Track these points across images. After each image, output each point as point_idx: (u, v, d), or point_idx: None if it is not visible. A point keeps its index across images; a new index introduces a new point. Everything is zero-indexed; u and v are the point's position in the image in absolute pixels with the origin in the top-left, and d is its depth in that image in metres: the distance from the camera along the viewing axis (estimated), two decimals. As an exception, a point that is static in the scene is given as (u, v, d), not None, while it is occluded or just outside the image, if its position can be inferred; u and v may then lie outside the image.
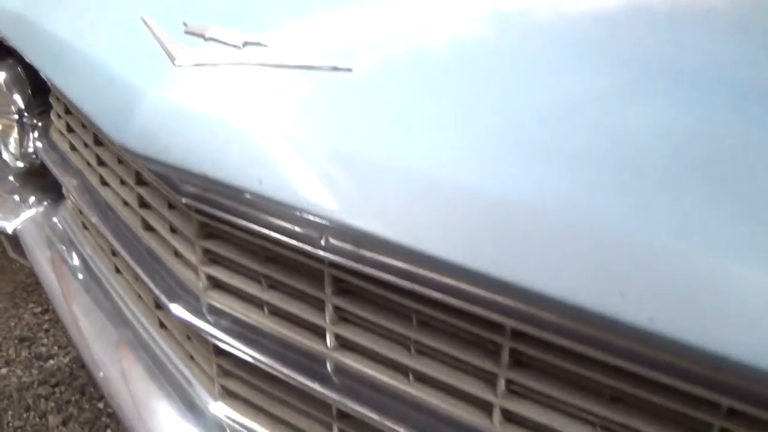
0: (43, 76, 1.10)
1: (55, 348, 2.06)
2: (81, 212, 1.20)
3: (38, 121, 1.42)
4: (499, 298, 0.56)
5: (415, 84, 0.66)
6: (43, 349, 2.06)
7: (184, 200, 0.79)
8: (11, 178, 1.61)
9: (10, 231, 1.44)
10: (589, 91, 0.61)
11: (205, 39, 0.77)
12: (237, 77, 0.72)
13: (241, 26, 0.78)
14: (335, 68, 0.68)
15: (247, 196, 0.67)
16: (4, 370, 1.98)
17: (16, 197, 1.56)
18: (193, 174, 0.70)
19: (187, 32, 0.80)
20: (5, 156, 1.51)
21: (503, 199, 0.54)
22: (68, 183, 1.21)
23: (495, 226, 0.53)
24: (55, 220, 1.43)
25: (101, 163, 1.11)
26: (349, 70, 0.68)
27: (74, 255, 1.33)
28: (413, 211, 0.58)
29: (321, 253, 0.69)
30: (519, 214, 0.52)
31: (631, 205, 0.49)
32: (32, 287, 2.28)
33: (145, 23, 0.87)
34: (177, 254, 0.95)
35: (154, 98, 0.74)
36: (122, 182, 1.05)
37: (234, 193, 0.69)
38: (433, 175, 0.57)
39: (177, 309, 0.89)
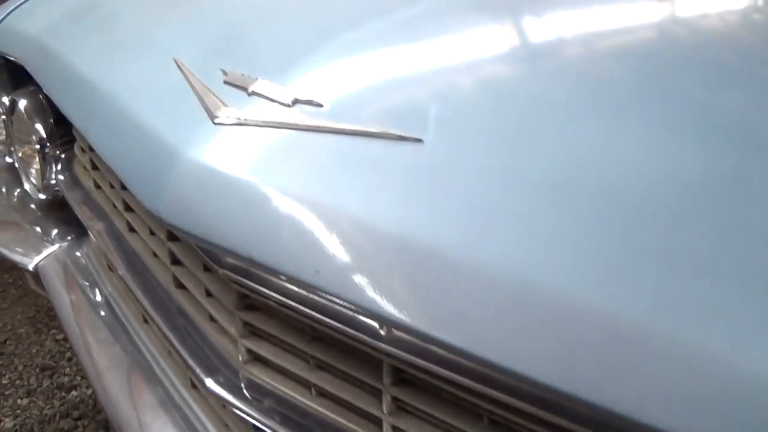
0: (64, 114, 1.01)
1: (78, 378, 1.98)
2: (106, 257, 1.12)
3: (61, 152, 1.33)
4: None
5: (498, 164, 0.56)
6: (66, 379, 1.98)
7: (222, 271, 0.70)
8: (33, 206, 1.54)
9: (31, 267, 1.36)
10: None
11: (249, 93, 0.68)
12: (287, 142, 0.63)
13: (289, 78, 0.69)
14: (402, 137, 0.58)
15: (301, 285, 0.57)
16: (25, 401, 1.91)
17: (38, 229, 1.48)
18: (236, 254, 0.61)
19: (227, 82, 0.71)
20: (27, 186, 1.44)
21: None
22: (92, 225, 1.12)
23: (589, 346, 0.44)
24: (78, 254, 1.34)
25: (128, 208, 1.02)
26: (419, 140, 0.58)
27: (98, 297, 1.25)
28: (494, 321, 0.48)
29: (381, 345, 0.60)
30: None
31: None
32: (54, 312, 2.21)
33: (180, 67, 0.78)
34: (212, 319, 0.86)
35: (190, 161, 0.65)
36: (152, 232, 0.96)
37: (285, 278, 0.59)
38: (519, 281, 0.48)
39: (213, 384, 0.80)
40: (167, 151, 0.67)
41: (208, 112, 0.67)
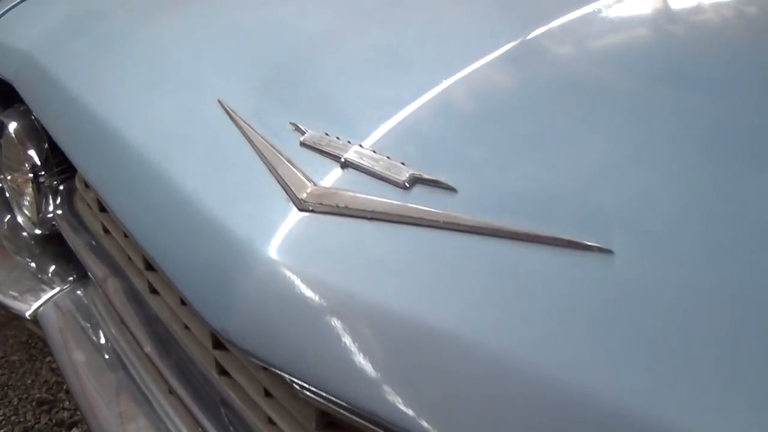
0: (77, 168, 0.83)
1: (79, 413, 1.80)
2: (122, 320, 0.94)
3: (59, 183, 1.15)
4: None
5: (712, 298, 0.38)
6: (65, 414, 1.81)
7: (300, 393, 0.53)
8: (25, 235, 1.36)
9: (28, 315, 1.19)
10: None
11: (342, 164, 0.50)
12: (407, 243, 0.45)
13: (395, 142, 0.50)
14: (584, 246, 0.41)
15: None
16: (22, 439, 1.73)
17: (33, 265, 1.30)
18: (318, 391, 0.43)
19: (306, 144, 0.53)
20: (20, 219, 1.25)
21: None
22: (102, 280, 0.94)
23: None
24: (83, 300, 1.17)
25: (149, 266, 0.84)
26: (609, 252, 0.40)
27: (108, 355, 1.07)
28: None
29: None
30: None
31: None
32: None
33: (229, 113, 0.60)
34: (271, 421, 0.68)
35: (268, 263, 0.47)
36: (183, 302, 0.78)
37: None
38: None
39: None
40: (234, 247, 0.49)
41: (287, 192, 0.49)
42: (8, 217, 1.39)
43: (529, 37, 0.63)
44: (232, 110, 0.60)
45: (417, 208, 0.46)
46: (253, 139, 0.55)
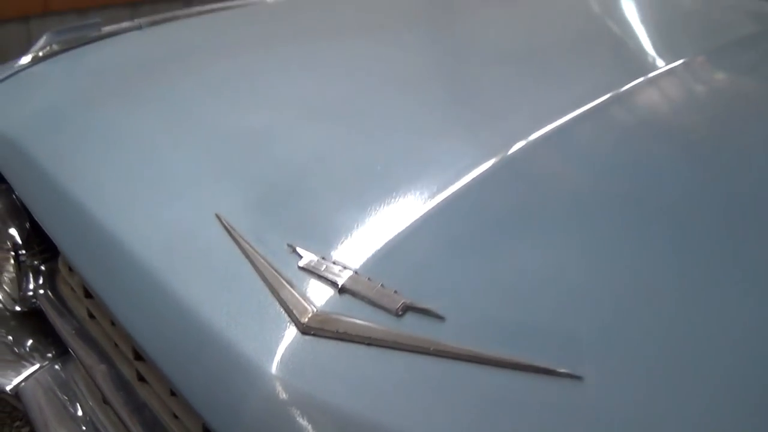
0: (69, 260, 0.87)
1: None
2: (106, 402, 0.97)
3: (40, 263, 1.18)
4: None
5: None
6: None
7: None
8: (2, 308, 1.38)
9: (9, 389, 1.21)
10: None
11: (339, 290, 0.56)
12: (401, 369, 0.51)
13: (387, 270, 0.56)
14: (557, 373, 0.47)
15: None
16: None
17: (10, 338, 1.33)
18: None
19: (303, 269, 0.58)
20: (0, 297, 1.28)
21: None
22: (85, 359, 0.98)
23: None
24: (64, 377, 1.20)
25: (138, 356, 0.88)
26: (579, 378, 0.47)
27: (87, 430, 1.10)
28: None
29: None
30: None
31: None
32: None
33: (228, 229, 0.65)
34: None
35: (271, 382, 0.52)
36: (172, 392, 0.82)
37: None
38: None
39: None
40: (240, 363, 0.54)
41: (290, 315, 0.55)
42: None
43: (510, 152, 0.70)
44: (230, 226, 0.65)
45: (409, 335, 0.52)
46: (253, 259, 0.60)
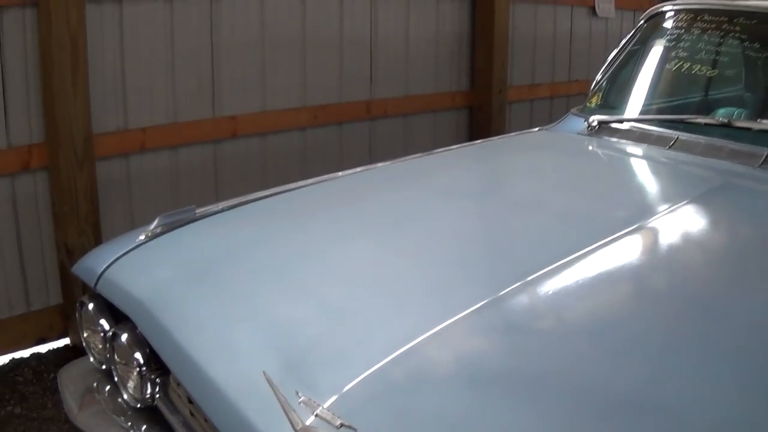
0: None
1: None
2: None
3: (156, 377, 1.84)
4: None
5: None
6: None
7: None
8: (121, 401, 2.03)
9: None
10: None
11: (316, 414, 1.21)
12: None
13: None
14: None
15: None
16: None
17: (129, 424, 1.96)
18: None
19: (301, 402, 1.24)
20: (125, 396, 1.93)
21: None
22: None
23: None
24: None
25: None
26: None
27: None
28: None
29: None
30: None
31: None
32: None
33: (268, 379, 1.32)
34: None
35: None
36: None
37: None
38: None
39: None
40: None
41: (292, 422, 1.20)
42: (108, 386, 2.09)
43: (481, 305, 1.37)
44: (271, 379, 1.31)
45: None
46: (278, 394, 1.27)
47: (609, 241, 1.72)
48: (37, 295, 3.56)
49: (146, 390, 1.83)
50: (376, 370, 1.27)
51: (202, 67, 3.92)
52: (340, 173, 2.50)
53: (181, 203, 3.56)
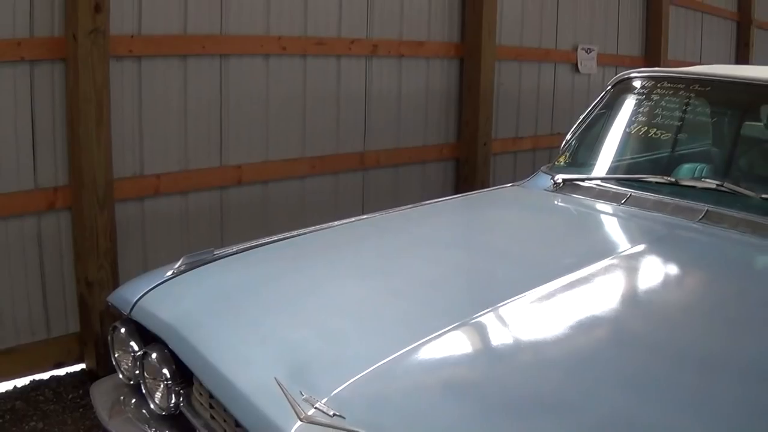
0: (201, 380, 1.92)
1: None
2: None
3: (181, 389, 2.21)
4: None
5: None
6: None
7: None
8: (145, 412, 2.40)
9: (155, 462, 2.21)
10: None
11: (315, 407, 1.60)
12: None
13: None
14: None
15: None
16: None
17: (154, 430, 2.33)
18: None
19: (303, 399, 1.63)
20: (152, 406, 2.30)
21: None
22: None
23: None
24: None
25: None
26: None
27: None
28: None
29: None
30: None
31: None
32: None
33: (278, 383, 1.71)
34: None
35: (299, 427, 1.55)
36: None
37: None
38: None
39: None
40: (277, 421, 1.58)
41: (296, 413, 1.58)
42: (134, 399, 2.46)
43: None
44: (281, 382, 1.71)
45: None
46: (286, 392, 1.65)
47: (557, 281, 2.13)
48: (57, 323, 3.88)
49: (171, 400, 2.19)
50: (360, 377, 1.66)
51: (211, 120, 4.31)
52: (335, 222, 2.90)
53: (190, 242, 4.00)
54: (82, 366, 3.95)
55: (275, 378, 1.71)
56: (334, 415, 1.55)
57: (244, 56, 4.39)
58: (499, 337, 1.91)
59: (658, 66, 7.37)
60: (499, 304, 1.99)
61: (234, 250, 2.58)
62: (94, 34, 3.60)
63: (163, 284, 2.37)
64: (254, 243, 2.65)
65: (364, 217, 3.06)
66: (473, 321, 1.90)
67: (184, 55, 4.11)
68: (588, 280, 2.24)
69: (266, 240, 2.69)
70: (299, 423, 1.56)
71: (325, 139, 4.93)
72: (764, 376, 1.64)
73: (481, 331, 1.91)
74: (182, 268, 2.44)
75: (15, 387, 3.77)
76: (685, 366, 1.71)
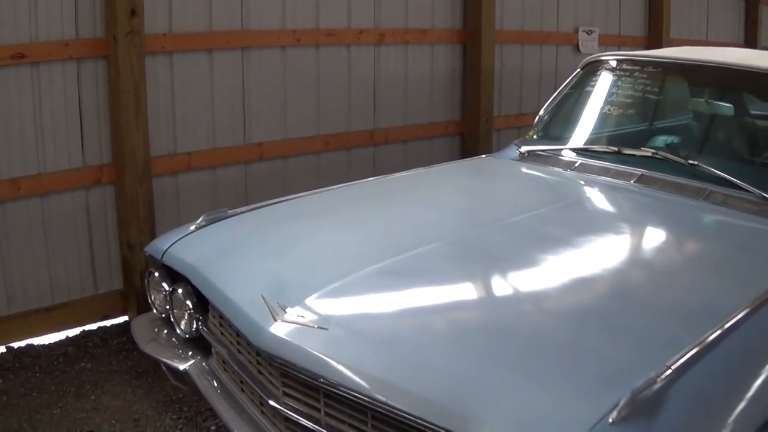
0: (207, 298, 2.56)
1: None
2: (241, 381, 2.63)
3: (200, 316, 2.83)
4: None
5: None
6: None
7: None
8: (173, 339, 3.03)
9: (181, 368, 2.83)
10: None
11: (287, 312, 2.22)
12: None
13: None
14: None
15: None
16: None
17: (180, 351, 2.97)
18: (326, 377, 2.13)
19: (281, 308, 2.25)
20: (178, 331, 2.92)
21: None
22: (219, 350, 2.64)
23: None
24: (206, 367, 2.82)
25: (239, 342, 2.55)
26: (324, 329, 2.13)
27: (221, 389, 2.71)
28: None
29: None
30: None
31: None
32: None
33: (263, 298, 2.33)
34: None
35: (274, 325, 2.18)
36: (259, 355, 2.49)
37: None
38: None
39: None
40: (260, 321, 2.21)
41: (273, 315, 2.21)
42: (165, 331, 3.10)
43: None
44: (265, 297, 2.33)
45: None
46: (269, 304, 2.28)
47: (490, 226, 2.77)
48: (104, 281, 4.45)
49: (193, 325, 2.83)
50: (324, 291, 2.29)
51: (235, 105, 4.79)
52: (329, 187, 3.52)
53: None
54: (125, 318, 4.46)
55: (261, 295, 2.33)
56: (299, 316, 2.17)
57: (263, 48, 4.86)
58: (432, 266, 2.50)
59: (660, 46, 7.73)
60: (435, 242, 2.63)
61: (243, 210, 3.20)
62: (131, 35, 4.16)
63: (187, 236, 2.99)
64: (261, 204, 3.27)
65: (356, 183, 3.66)
66: (419, 252, 2.53)
67: (210, 49, 4.59)
68: (519, 224, 2.83)
69: (269, 202, 3.30)
70: (275, 322, 2.18)
71: (338, 118, 5.33)
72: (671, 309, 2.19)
73: (425, 261, 2.51)
74: (202, 223, 3.06)
75: (67, 336, 4.29)
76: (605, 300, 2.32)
